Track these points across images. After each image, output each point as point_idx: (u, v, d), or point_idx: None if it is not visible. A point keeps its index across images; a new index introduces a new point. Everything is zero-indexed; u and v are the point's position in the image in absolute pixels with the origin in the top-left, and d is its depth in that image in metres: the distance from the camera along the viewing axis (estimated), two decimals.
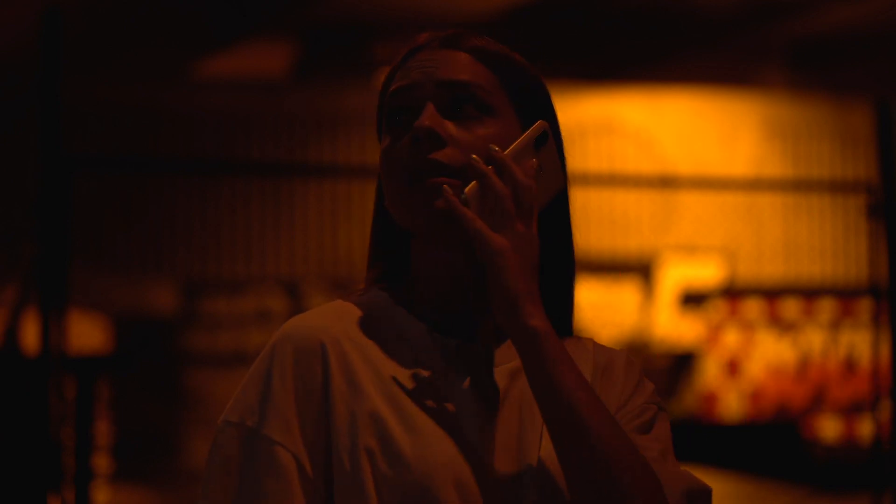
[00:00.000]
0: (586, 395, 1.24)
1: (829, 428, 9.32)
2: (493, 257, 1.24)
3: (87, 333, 7.46)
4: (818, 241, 11.51)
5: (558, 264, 1.39)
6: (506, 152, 1.29)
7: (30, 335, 4.85)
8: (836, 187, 11.27)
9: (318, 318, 1.32)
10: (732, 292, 10.17)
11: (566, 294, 1.41)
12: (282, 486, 1.25)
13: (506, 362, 1.34)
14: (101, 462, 7.28)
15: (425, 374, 1.31)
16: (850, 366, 9.91)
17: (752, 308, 9.91)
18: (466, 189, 1.26)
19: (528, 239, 1.26)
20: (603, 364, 1.39)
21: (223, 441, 1.28)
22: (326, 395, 1.28)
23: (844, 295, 10.09)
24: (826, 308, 9.96)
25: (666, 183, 10.69)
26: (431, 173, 1.29)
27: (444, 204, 1.26)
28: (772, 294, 10.07)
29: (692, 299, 10.54)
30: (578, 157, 10.70)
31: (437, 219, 1.28)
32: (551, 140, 1.33)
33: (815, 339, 9.92)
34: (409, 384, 1.29)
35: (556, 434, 1.24)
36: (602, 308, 10.57)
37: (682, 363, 10.03)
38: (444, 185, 1.27)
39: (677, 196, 11.13)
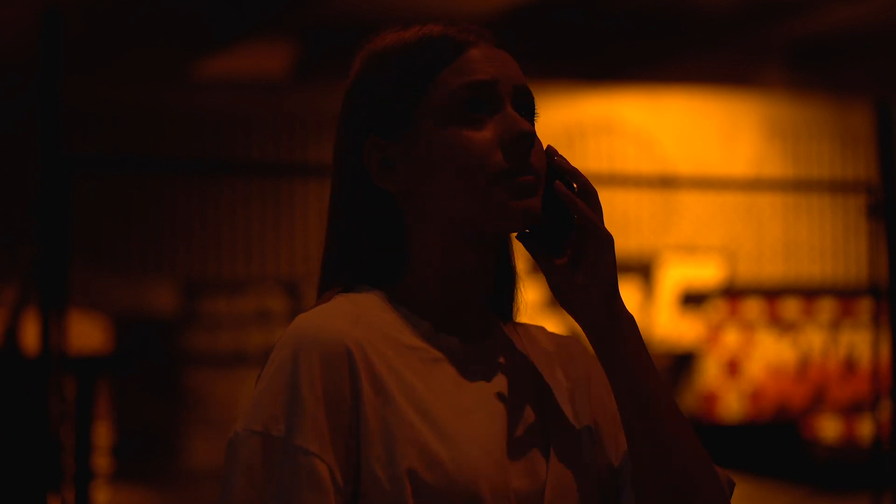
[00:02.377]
0: (664, 387, 1.30)
1: (829, 428, 9.32)
2: (604, 246, 1.31)
3: (87, 333, 7.47)
4: (818, 241, 11.51)
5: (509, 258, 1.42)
6: None
7: (30, 335, 4.85)
8: (836, 187, 11.27)
9: (335, 319, 1.28)
10: (732, 292, 10.17)
11: (515, 282, 1.43)
12: (319, 499, 1.20)
13: (499, 358, 1.35)
14: (101, 462, 7.28)
15: (440, 375, 1.30)
16: (850, 366, 9.90)
17: (752, 308, 9.90)
18: (576, 186, 1.34)
19: None
20: (571, 355, 1.42)
21: (245, 450, 1.22)
22: (357, 403, 1.24)
23: (844, 295, 10.09)
24: (826, 308, 9.96)
25: (666, 183, 10.69)
26: (522, 174, 1.31)
27: (560, 192, 1.31)
28: (772, 294, 10.07)
29: (692, 299, 10.54)
30: (578, 157, 10.70)
31: (528, 217, 1.31)
32: None
33: (815, 339, 9.92)
34: (428, 387, 1.28)
35: (636, 422, 1.28)
36: None
37: (682, 363, 10.03)
38: (557, 181, 1.32)
39: (677, 196, 11.13)
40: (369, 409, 1.24)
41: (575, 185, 1.34)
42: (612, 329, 1.29)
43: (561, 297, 1.33)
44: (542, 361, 1.40)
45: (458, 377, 1.30)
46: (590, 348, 1.40)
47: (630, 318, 1.31)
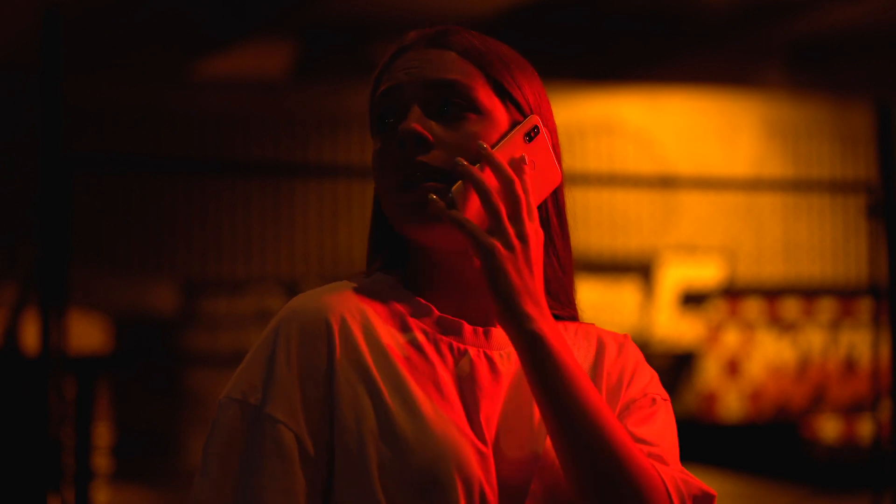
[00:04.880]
0: (585, 399, 1.23)
1: (829, 428, 9.32)
2: (485, 258, 1.24)
3: (87, 333, 7.47)
4: (818, 241, 11.51)
5: (556, 254, 1.38)
6: (493, 149, 1.29)
7: (30, 335, 4.85)
8: (836, 187, 11.27)
9: (325, 296, 1.33)
10: (732, 292, 10.17)
11: (565, 286, 1.40)
12: (283, 466, 1.25)
13: (505, 347, 1.34)
14: (101, 462, 7.28)
15: (431, 356, 1.31)
16: (850, 366, 9.90)
17: (752, 308, 9.91)
18: (453, 189, 1.26)
19: (523, 235, 1.25)
20: (608, 352, 1.39)
21: (225, 417, 1.28)
22: (330, 375, 1.27)
23: (844, 295, 10.09)
24: (826, 308, 9.96)
25: (666, 183, 10.69)
26: (420, 177, 1.29)
27: (434, 210, 1.26)
28: (772, 294, 10.07)
29: (692, 299, 10.54)
30: (578, 157, 10.70)
31: (427, 223, 1.28)
32: (543, 135, 1.33)
33: (815, 339, 9.92)
34: (415, 366, 1.29)
35: (554, 438, 1.24)
36: (602, 308, 10.57)
37: (682, 363, 10.03)
38: (431, 195, 1.26)
39: (677, 196, 11.13)
40: (343, 381, 1.27)
41: (453, 192, 1.25)
42: (515, 344, 1.25)
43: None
44: None
45: (452, 360, 1.31)
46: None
47: (532, 333, 1.23)
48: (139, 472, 8.95)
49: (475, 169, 1.26)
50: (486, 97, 1.33)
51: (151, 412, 9.77)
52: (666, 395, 1.38)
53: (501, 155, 1.29)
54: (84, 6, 8.23)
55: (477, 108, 1.32)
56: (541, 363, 1.23)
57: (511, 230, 1.25)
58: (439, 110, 1.32)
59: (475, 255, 1.25)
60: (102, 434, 7.33)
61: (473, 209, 1.27)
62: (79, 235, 6.66)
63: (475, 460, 1.26)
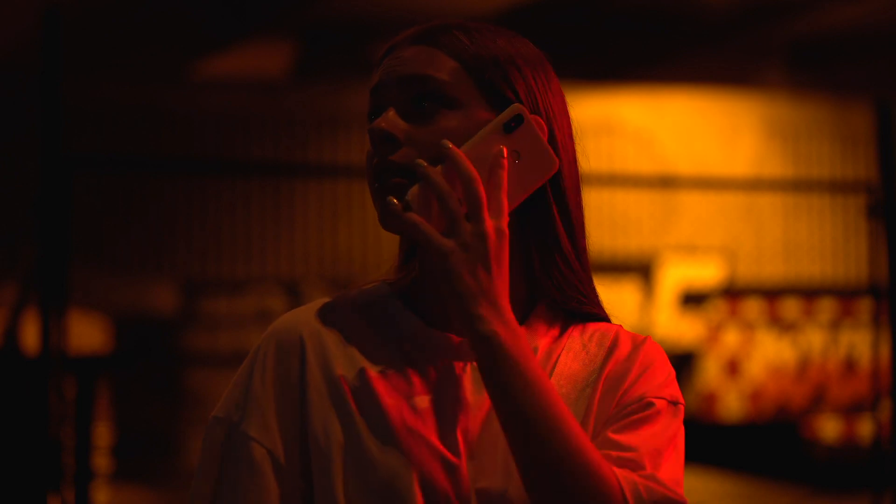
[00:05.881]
0: (538, 402, 1.21)
1: (829, 428, 9.32)
2: (438, 261, 1.22)
3: (87, 333, 7.46)
4: (818, 241, 11.51)
5: (561, 251, 1.35)
6: (465, 144, 1.26)
7: (30, 335, 4.85)
8: (836, 187, 11.27)
9: (306, 312, 1.35)
10: (732, 292, 10.17)
11: (578, 280, 1.37)
12: (256, 481, 1.28)
13: None
14: (101, 462, 7.28)
15: (408, 371, 1.30)
16: (850, 366, 9.90)
17: (752, 308, 9.91)
18: (409, 191, 1.25)
19: (481, 234, 1.22)
20: (617, 353, 1.35)
21: (211, 436, 1.34)
22: (303, 389, 1.30)
23: (844, 295, 10.09)
24: (826, 308, 9.96)
25: (666, 183, 10.69)
26: (388, 175, 1.28)
27: (392, 211, 1.25)
28: (772, 294, 10.07)
29: (692, 299, 10.54)
30: (578, 157, 10.69)
31: (393, 222, 1.27)
32: (528, 124, 1.29)
33: (815, 339, 9.92)
34: (389, 381, 1.29)
35: (508, 440, 1.22)
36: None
37: (682, 363, 10.03)
38: (390, 197, 1.25)
39: (677, 196, 11.13)
40: (315, 394, 1.29)
41: (409, 194, 1.24)
42: (471, 345, 1.23)
43: None
44: (570, 364, 1.35)
45: (433, 375, 1.30)
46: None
47: (483, 335, 1.21)
48: (139, 472, 8.95)
49: (432, 169, 1.24)
50: (465, 92, 1.30)
51: (151, 412, 9.77)
52: (677, 398, 1.32)
53: (474, 150, 1.26)
54: (84, 6, 8.23)
55: (452, 104, 1.30)
56: (492, 365, 1.21)
57: (467, 230, 1.22)
58: (415, 107, 1.30)
59: (430, 256, 1.23)
60: (102, 434, 7.33)
61: (435, 209, 1.24)
62: (79, 235, 6.66)
63: (442, 474, 1.25)
